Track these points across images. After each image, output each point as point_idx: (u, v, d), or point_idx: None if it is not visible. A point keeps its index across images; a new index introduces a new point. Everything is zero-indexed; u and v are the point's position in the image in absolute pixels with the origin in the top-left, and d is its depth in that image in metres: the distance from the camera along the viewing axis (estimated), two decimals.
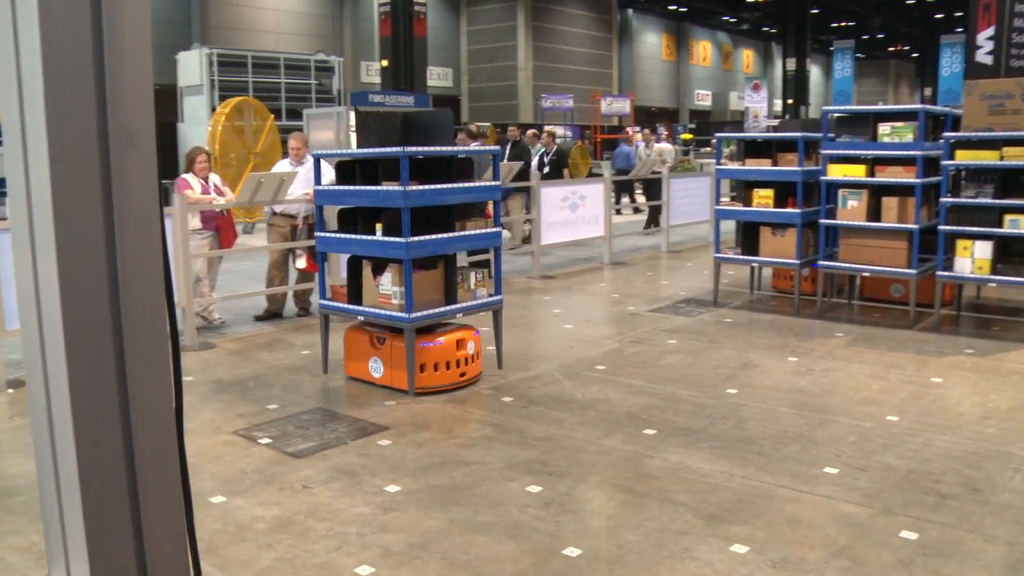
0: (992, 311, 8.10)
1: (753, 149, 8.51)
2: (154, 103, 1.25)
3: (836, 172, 7.62)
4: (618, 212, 17.76)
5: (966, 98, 7.07)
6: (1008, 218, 6.71)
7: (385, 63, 22.97)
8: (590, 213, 11.37)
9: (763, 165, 8.21)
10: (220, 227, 7.79)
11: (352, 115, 13.99)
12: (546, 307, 8.73)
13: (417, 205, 5.42)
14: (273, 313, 8.21)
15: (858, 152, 7.53)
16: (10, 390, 5.73)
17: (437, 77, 35.64)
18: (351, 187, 5.80)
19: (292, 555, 3.45)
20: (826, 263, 7.77)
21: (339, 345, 6.17)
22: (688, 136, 37.52)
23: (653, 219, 15.14)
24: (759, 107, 36.06)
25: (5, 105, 1.19)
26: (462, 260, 7.47)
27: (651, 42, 48.30)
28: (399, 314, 5.53)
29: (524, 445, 4.66)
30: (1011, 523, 3.62)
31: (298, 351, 6.86)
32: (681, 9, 47.13)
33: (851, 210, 7.49)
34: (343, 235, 5.88)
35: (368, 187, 5.65)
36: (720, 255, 8.56)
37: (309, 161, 7.64)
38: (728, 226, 9.97)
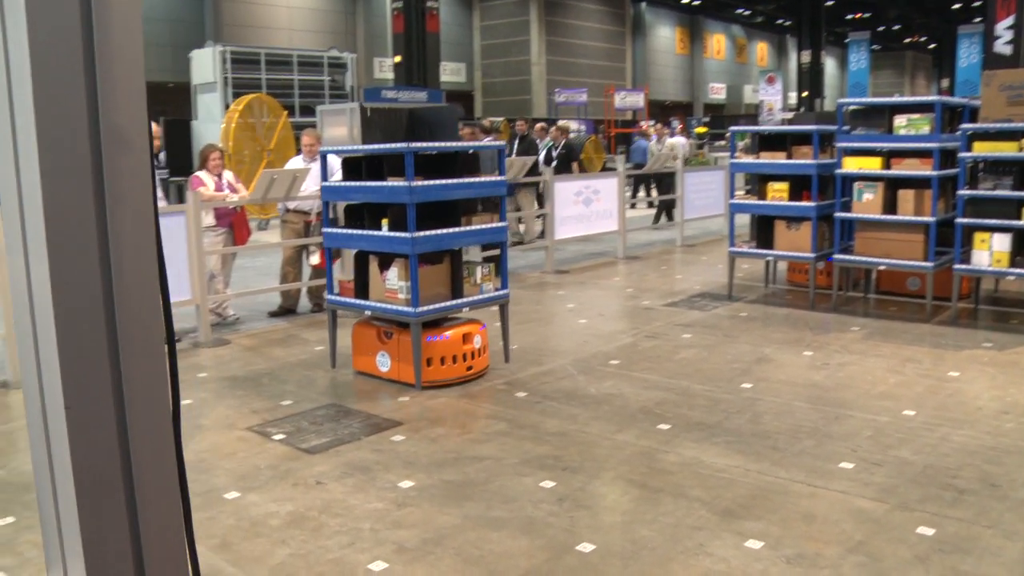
0: (1010, 304, 8.01)
1: (767, 142, 8.46)
2: (147, 101, 1.22)
3: (851, 165, 7.56)
4: (632, 206, 17.73)
5: (984, 89, 6.99)
6: None
7: (398, 59, 23.00)
8: (604, 207, 11.33)
9: (778, 158, 8.15)
10: (234, 224, 7.81)
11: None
12: (560, 302, 8.71)
13: (422, 200, 5.44)
14: (287, 309, 8.24)
15: (874, 145, 7.46)
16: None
17: (450, 73, 35.65)
18: (357, 183, 5.84)
19: (306, 551, 3.46)
20: (841, 256, 7.71)
21: (348, 340, 6.18)
22: (702, 130, 37.33)
23: (666, 214, 15.06)
24: (774, 100, 35.81)
25: None
26: (476, 254, 7.49)
27: (665, 35, 48.11)
28: (405, 308, 5.55)
29: (538, 440, 4.65)
30: None
31: (312, 347, 6.87)
32: (695, 2, 46.95)
33: (866, 203, 7.43)
34: (350, 231, 5.92)
35: (374, 183, 5.68)
36: (735, 249, 8.52)
37: None
38: (743, 220, 9.92)
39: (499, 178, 6.04)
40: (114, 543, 1.20)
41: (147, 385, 1.22)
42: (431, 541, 3.51)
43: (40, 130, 1.12)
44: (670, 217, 14.61)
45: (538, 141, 13.54)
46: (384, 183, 5.59)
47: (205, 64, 18.24)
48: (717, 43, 52.33)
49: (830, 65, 52.78)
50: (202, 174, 7.71)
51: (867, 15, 46.74)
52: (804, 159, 7.92)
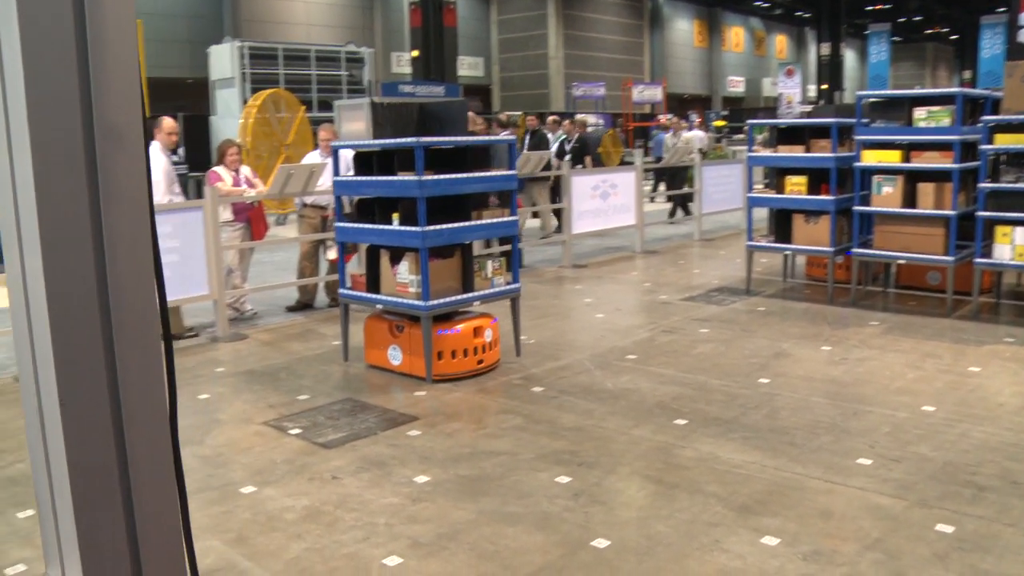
0: None
1: (786, 135, 8.39)
2: (141, 97, 1.22)
3: (870, 158, 7.48)
4: (651, 200, 17.68)
5: (1007, 80, 6.90)
6: None
7: (416, 53, 23.02)
8: (621, 202, 11.28)
9: (796, 152, 8.10)
10: (251, 219, 7.84)
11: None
12: (577, 296, 8.70)
13: (433, 195, 5.46)
14: (304, 304, 8.27)
15: (893, 137, 7.39)
16: None
17: (468, 67, 35.63)
18: (368, 178, 5.86)
19: (321, 545, 3.47)
20: (860, 251, 7.64)
21: (362, 334, 6.20)
22: (721, 123, 37.11)
23: (682, 208, 14.98)
24: (793, 93, 35.57)
25: None
26: (493, 248, 7.49)
27: (683, 28, 47.82)
28: (416, 302, 5.57)
29: (554, 435, 4.64)
30: None
31: (329, 341, 6.89)
32: None
33: (886, 196, 7.36)
34: (361, 225, 5.94)
35: (385, 177, 5.69)
36: (753, 243, 8.46)
37: None
38: (761, 214, 9.84)
39: (510, 172, 6.04)
40: (111, 540, 1.20)
41: (143, 381, 1.22)
42: (446, 536, 3.51)
43: (33, 126, 1.11)
44: (687, 212, 14.53)
45: (550, 135, 13.48)
46: (395, 177, 5.61)
47: (223, 60, 18.34)
48: (736, 36, 51.96)
49: (850, 57, 52.26)
50: (220, 169, 7.75)
51: (887, 6, 46.19)
52: (823, 152, 7.86)
